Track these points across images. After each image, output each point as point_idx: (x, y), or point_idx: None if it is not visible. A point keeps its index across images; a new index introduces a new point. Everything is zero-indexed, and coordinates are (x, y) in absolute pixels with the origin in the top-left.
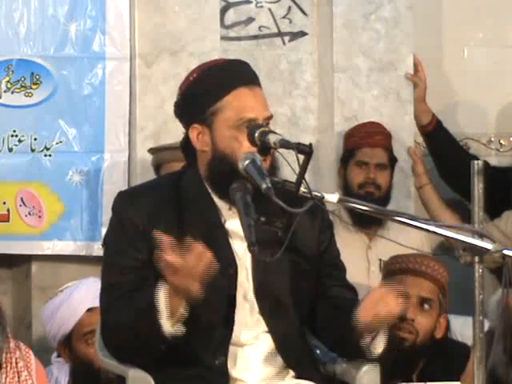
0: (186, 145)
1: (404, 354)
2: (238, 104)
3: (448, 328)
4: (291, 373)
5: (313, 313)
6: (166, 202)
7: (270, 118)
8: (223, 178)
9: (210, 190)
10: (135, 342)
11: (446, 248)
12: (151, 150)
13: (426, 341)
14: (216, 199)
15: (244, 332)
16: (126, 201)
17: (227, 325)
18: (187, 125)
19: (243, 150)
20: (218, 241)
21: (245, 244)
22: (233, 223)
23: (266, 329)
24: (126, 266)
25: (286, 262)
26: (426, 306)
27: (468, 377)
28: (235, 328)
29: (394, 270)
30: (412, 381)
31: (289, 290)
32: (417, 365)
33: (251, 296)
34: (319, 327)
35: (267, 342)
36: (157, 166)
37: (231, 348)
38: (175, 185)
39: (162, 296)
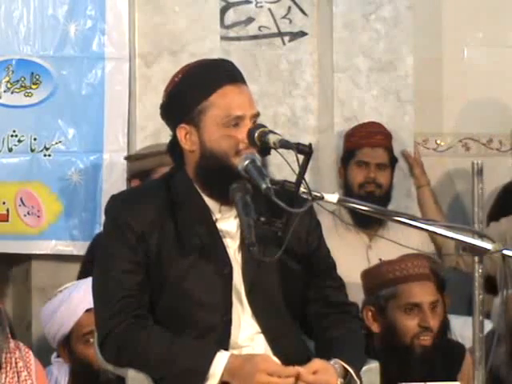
0: (173, 147)
1: (428, 358)
2: (224, 102)
3: (448, 328)
4: None
5: (304, 312)
6: (160, 205)
7: (257, 115)
8: (213, 176)
9: (199, 191)
10: (143, 370)
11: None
12: (138, 156)
13: (440, 336)
14: (207, 199)
15: (240, 334)
16: (121, 205)
17: (225, 326)
18: (174, 126)
19: (232, 148)
20: (213, 241)
21: (236, 244)
22: (224, 223)
23: (259, 330)
24: (123, 269)
25: (276, 262)
26: (435, 308)
27: (464, 376)
28: (232, 330)
29: (394, 279)
30: (416, 381)
31: (280, 289)
32: (434, 363)
33: (244, 297)
34: (310, 327)
35: (262, 343)
36: (147, 171)
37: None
38: (166, 187)
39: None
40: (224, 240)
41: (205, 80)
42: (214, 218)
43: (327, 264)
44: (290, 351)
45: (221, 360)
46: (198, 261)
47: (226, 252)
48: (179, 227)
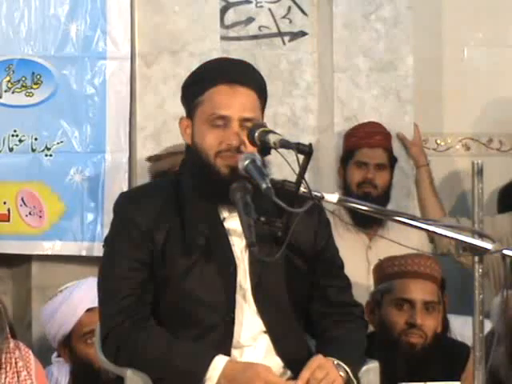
0: None
1: (416, 358)
2: (214, 100)
3: (448, 328)
4: (289, 373)
5: (307, 311)
6: (168, 203)
7: (248, 119)
8: (196, 173)
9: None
10: (142, 370)
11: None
12: (156, 157)
13: (434, 340)
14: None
15: (243, 333)
16: (128, 202)
17: (227, 325)
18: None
19: (212, 147)
20: (218, 240)
21: (243, 243)
22: (231, 222)
23: (263, 329)
24: (127, 267)
25: (282, 262)
26: (431, 309)
27: (469, 376)
28: (235, 329)
29: (392, 274)
30: (415, 381)
31: (286, 289)
32: (429, 365)
33: (249, 295)
34: (312, 326)
35: (265, 343)
36: (165, 172)
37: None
38: (175, 185)
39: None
40: (230, 239)
41: (204, 76)
42: (221, 217)
43: (334, 264)
44: (292, 351)
45: (218, 364)
46: (202, 260)
47: (231, 251)
48: (185, 226)
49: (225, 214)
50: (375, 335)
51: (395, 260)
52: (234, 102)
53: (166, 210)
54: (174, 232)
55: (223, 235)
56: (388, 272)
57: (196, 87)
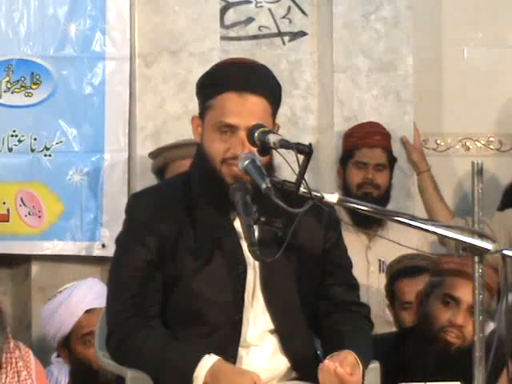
0: None
1: (449, 358)
2: (223, 107)
3: None
4: (293, 375)
5: (315, 312)
6: (179, 203)
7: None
8: (205, 176)
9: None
10: (137, 368)
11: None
12: (153, 154)
13: (470, 346)
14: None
15: (250, 332)
16: (137, 201)
17: (235, 324)
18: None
19: (218, 154)
20: (228, 239)
21: None
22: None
23: (271, 328)
24: (136, 266)
25: (292, 262)
26: None
27: None
28: (242, 328)
29: (448, 270)
30: (414, 381)
31: (296, 288)
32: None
33: (258, 295)
34: (318, 325)
35: (272, 343)
36: (161, 168)
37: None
38: (186, 185)
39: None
40: (240, 239)
41: (217, 80)
42: (231, 217)
43: (342, 263)
44: (299, 351)
45: (206, 363)
46: (211, 260)
47: (242, 250)
48: (196, 226)
49: (234, 214)
50: (412, 330)
51: (455, 258)
52: (242, 110)
53: (176, 210)
54: (184, 232)
55: (233, 235)
56: (444, 267)
57: (208, 90)
